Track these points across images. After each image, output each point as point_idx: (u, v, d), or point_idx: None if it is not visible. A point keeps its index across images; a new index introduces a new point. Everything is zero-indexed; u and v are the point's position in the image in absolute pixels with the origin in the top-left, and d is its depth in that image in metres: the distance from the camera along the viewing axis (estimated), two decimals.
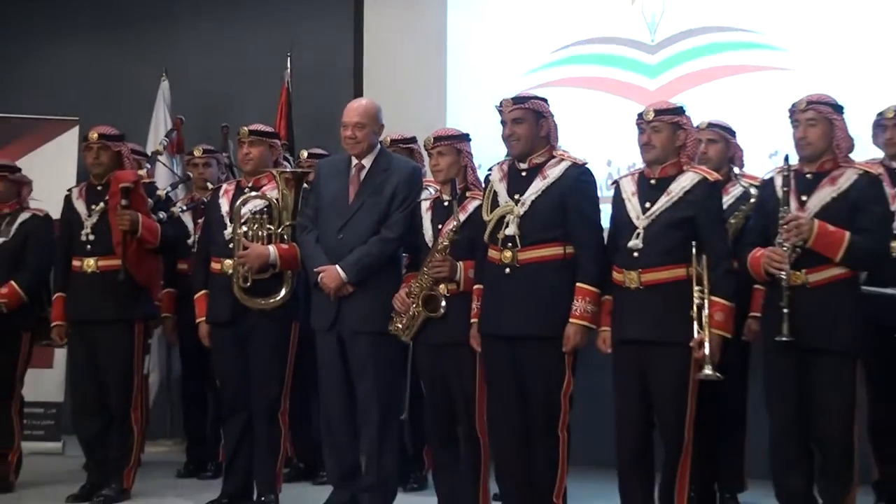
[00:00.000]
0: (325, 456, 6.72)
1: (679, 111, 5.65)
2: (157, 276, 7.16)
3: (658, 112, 5.59)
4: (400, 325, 6.06)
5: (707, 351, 5.29)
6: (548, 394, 5.67)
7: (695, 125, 6.07)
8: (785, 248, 5.25)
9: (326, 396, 6.43)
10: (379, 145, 6.46)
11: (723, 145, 6.62)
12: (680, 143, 5.56)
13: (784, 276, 5.25)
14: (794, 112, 5.52)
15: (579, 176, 5.76)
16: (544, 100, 5.93)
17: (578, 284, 5.59)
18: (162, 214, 7.09)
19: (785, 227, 5.25)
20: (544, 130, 5.83)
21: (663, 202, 5.48)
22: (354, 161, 6.36)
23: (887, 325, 5.81)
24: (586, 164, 5.84)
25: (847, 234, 5.23)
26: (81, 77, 10.28)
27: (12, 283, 7.05)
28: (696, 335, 5.34)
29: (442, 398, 6.13)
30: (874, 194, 5.42)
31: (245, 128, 6.69)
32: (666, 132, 5.54)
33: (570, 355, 5.65)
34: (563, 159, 5.80)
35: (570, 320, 5.57)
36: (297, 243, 6.42)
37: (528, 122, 5.79)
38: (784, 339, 5.23)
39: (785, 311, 5.23)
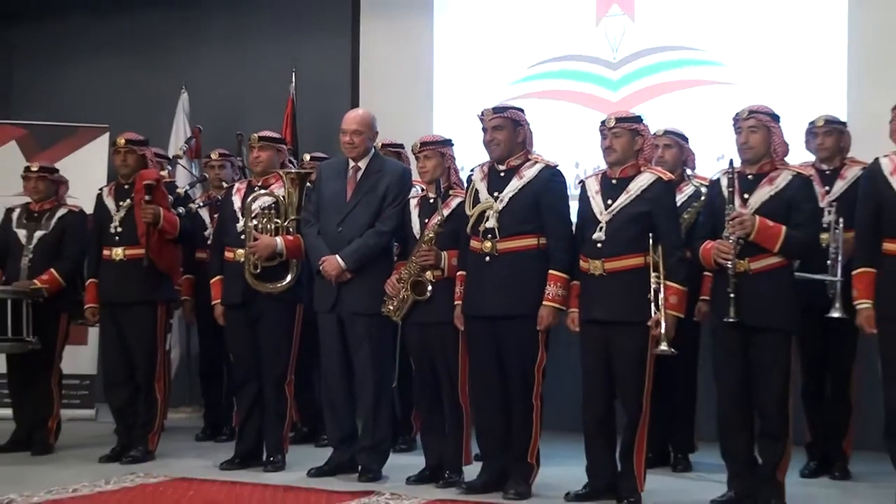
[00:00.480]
0: (326, 421, 6.75)
1: (637, 119, 5.68)
2: (177, 263, 7.12)
3: (619, 120, 5.63)
4: (391, 307, 6.06)
5: (663, 329, 5.34)
6: (523, 367, 5.68)
7: (652, 132, 6.13)
8: (731, 241, 5.28)
9: (327, 369, 6.44)
10: (373, 149, 6.44)
11: (677, 150, 6.65)
12: (638, 147, 5.59)
13: (730, 265, 5.29)
14: (737, 120, 5.56)
15: (551, 176, 5.77)
16: (521, 110, 5.94)
17: (550, 271, 5.61)
18: (181, 209, 7.11)
19: (730, 222, 5.29)
20: (521, 136, 5.83)
21: (623, 199, 5.52)
22: (351, 163, 6.35)
23: (817, 306, 5.80)
24: (557, 166, 5.84)
25: (784, 228, 5.28)
26: (111, 90, 10.22)
27: (52, 270, 7.01)
28: (653, 315, 5.38)
29: (428, 370, 6.13)
30: (806, 193, 5.45)
31: (255, 134, 6.68)
32: (625, 137, 5.57)
33: (544, 333, 5.67)
34: (537, 162, 5.80)
35: (544, 302, 5.59)
36: (301, 235, 6.41)
37: (507, 130, 5.79)
38: (730, 319, 5.28)
39: (731, 295, 5.28)
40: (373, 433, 6.25)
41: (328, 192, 6.37)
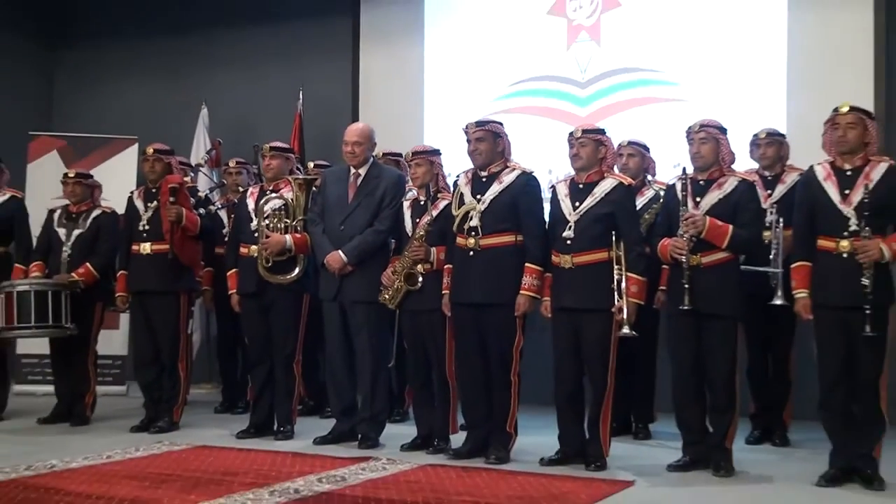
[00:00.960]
0: (329, 395, 6.79)
1: (601, 131, 5.73)
2: (197, 257, 7.09)
3: (584, 131, 5.67)
4: (387, 296, 6.06)
5: (625, 315, 5.39)
6: (503, 348, 5.70)
7: (618, 143, 6.28)
8: (685, 238, 5.34)
9: (331, 351, 6.47)
10: (372, 158, 6.44)
11: (640, 158, 6.69)
12: (601, 155, 5.63)
13: (684, 260, 5.36)
14: (689, 133, 5.60)
15: (527, 181, 5.77)
16: (500, 123, 5.97)
17: (526, 264, 5.63)
18: (202, 210, 7.14)
19: (684, 222, 5.36)
20: (500, 146, 5.85)
21: (589, 202, 5.55)
22: (352, 170, 6.35)
23: (761, 295, 5.81)
24: (533, 172, 5.85)
25: (731, 227, 5.35)
26: (140, 106, 10.21)
27: (88, 264, 6.99)
28: (616, 303, 5.41)
29: (420, 351, 6.13)
30: (750, 196, 5.53)
31: (267, 145, 6.70)
32: (590, 147, 5.60)
33: (521, 318, 5.69)
34: (514, 168, 5.81)
35: (521, 292, 5.60)
36: (307, 233, 6.39)
37: (488, 141, 5.81)
38: (685, 307, 5.34)
39: (685, 286, 5.35)
40: (371, 406, 6.26)
41: (332, 196, 6.37)
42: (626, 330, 5.36)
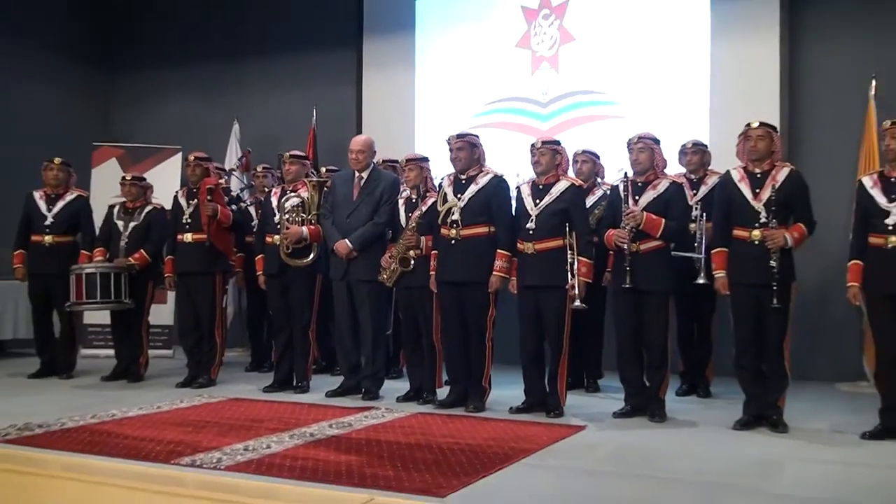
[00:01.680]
0: (338, 357, 6.81)
1: (557, 143, 5.77)
2: (230, 245, 7.06)
3: (543, 143, 5.71)
4: (385, 276, 6.05)
5: (577, 291, 5.39)
6: (479, 318, 5.71)
7: (573, 151, 6.34)
8: (626, 230, 5.37)
9: (339, 320, 6.44)
10: (373, 164, 6.41)
11: (591, 164, 6.69)
12: (557, 162, 5.66)
13: (626, 247, 5.39)
14: (630, 143, 5.63)
15: (498, 183, 5.77)
16: (477, 136, 5.96)
17: (498, 250, 5.64)
18: (234, 207, 7.16)
19: (626, 216, 5.39)
20: (477, 154, 5.85)
21: (547, 200, 5.58)
22: (356, 174, 6.34)
23: (687, 275, 5.83)
24: (503, 175, 5.84)
25: (663, 220, 5.39)
26: (183, 121, 10.15)
27: (142, 251, 6.99)
28: (569, 281, 5.42)
29: (412, 321, 6.12)
30: (679, 195, 5.58)
31: (287, 153, 6.70)
32: (548, 155, 5.63)
33: (493, 294, 5.69)
34: (488, 173, 5.81)
35: (493, 273, 5.61)
36: (320, 225, 6.38)
37: (467, 150, 5.81)
38: (626, 285, 5.38)
39: (627, 268, 5.40)
40: (372, 366, 6.27)
41: (340, 194, 6.37)
42: (577, 303, 5.38)
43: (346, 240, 6.15)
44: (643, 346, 5.51)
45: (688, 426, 5.33)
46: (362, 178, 6.32)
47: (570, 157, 6.24)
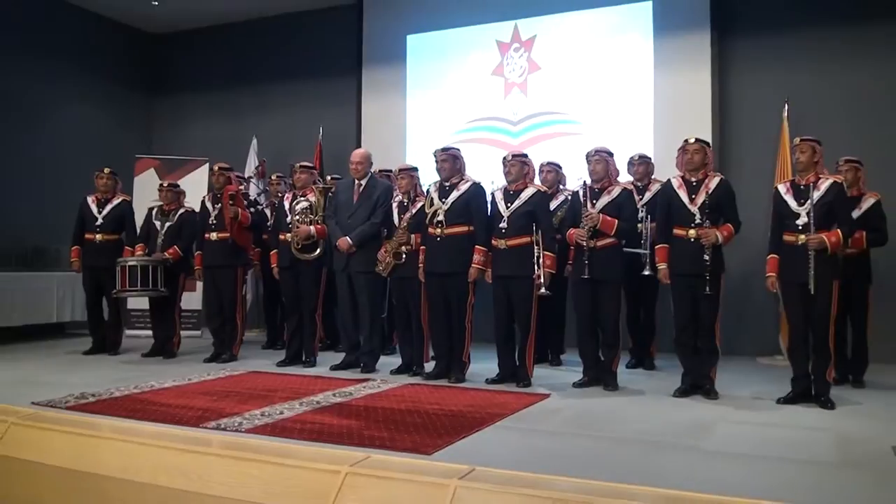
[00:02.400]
0: (341, 336, 6.79)
1: (524, 155, 5.76)
2: (249, 242, 7.02)
3: (513, 156, 5.70)
4: (381, 268, 6.01)
5: (542, 280, 5.37)
6: (460, 303, 5.67)
7: (539, 163, 6.34)
8: (585, 229, 5.33)
9: (341, 306, 6.40)
10: (370, 173, 6.35)
11: (555, 173, 6.66)
12: (525, 171, 5.66)
13: (585, 244, 5.34)
14: (588, 156, 5.58)
15: (476, 189, 5.73)
16: (458, 149, 5.93)
17: (476, 246, 5.60)
18: (252, 209, 7.10)
19: (584, 218, 5.36)
20: (458, 165, 5.82)
21: (517, 203, 5.56)
22: (356, 182, 6.27)
23: (635, 268, 5.83)
24: (480, 182, 5.80)
25: (616, 220, 5.35)
26: (209, 136, 10.10)
27: (175, 247, 6.92)
28: (536, 272, 5.40)
29: (403, 306, 6.09)
30: (629, 200, 5.53)
31: (297, 164, 6.68)
32: (518, 166, 5.62)
33: (472, 283, 5.65)
34: (468, 181, 5.76)
35: (472, 265, 5.57)
36: (325, 225, 6.33)
37: (450, 162, 5.77)
38: (584, 276, 5.34)
39: (585, 262, 5.36)
40: (369, 343, 6.22)
41: (342, 199, 6.31)
42: (543, 291, 5.35)
43: (348, 237, 6.09)
44: (598, 327, 5.48)
45: (636, 394, 5.31)
46: (361, 184, 6.25)
47: (537, 168, 6.25)
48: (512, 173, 5.60)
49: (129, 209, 7.32)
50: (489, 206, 5.72)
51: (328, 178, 7.63)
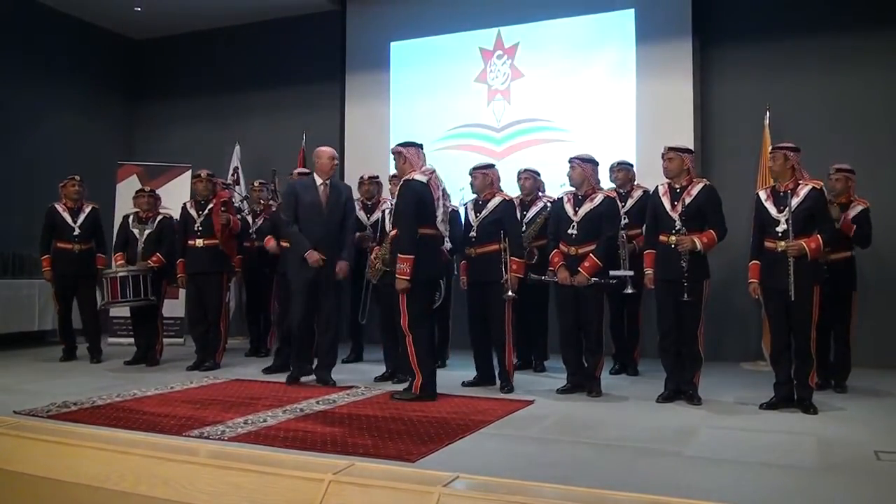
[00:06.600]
0: (292, 355, 6.20)
1: (488, 165, 5.94)
2: (235, 249, 7.01)
3: (475, 168, 5.94)
4: (371, 273, 6.07)
5: (510, 284, 5.51)
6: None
7: (520, 169, 6.40)
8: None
9: (298, 315, 6.05)
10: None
11: (532, 180, 6.65)
12: (489, 181, 5.81)
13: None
14: (571, 162, 5.58)
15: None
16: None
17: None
18: (239, 216, 7.07)
19: (562, 280, 5.44)
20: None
21: (485, 212, 5.74)
22: (319, 181, 5.83)
23: (617, 282, 5.81)
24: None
25: (597, 263, 5.36)
26: (192, 142, 10.07)
27: (158, 254, 6.88)
28: (504, 276, 5.52)
29: (390, 312, 5.95)
30: (612, 206, 5.52)
31: (295, 171, 6.72)
32: (480, 178, 5.84)
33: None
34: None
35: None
36: (289, 234, 5.94)
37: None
38: (568, 283, 5.34)
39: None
40: (327, 357, 5.93)
41: (306, 201, 5.79)
42: (510, 294, 5.48)
43: (345, 261, 5.81)
44: (582, 334, 5.49)
45: (619, 400, 5.33)
46: (327, 185, 5.84)
47: (515, 175, 6.28)
48: (475, 185, 5.76)
49: (98, 216, 7.29)
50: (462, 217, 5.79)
51: (294, 172, 6.97)
